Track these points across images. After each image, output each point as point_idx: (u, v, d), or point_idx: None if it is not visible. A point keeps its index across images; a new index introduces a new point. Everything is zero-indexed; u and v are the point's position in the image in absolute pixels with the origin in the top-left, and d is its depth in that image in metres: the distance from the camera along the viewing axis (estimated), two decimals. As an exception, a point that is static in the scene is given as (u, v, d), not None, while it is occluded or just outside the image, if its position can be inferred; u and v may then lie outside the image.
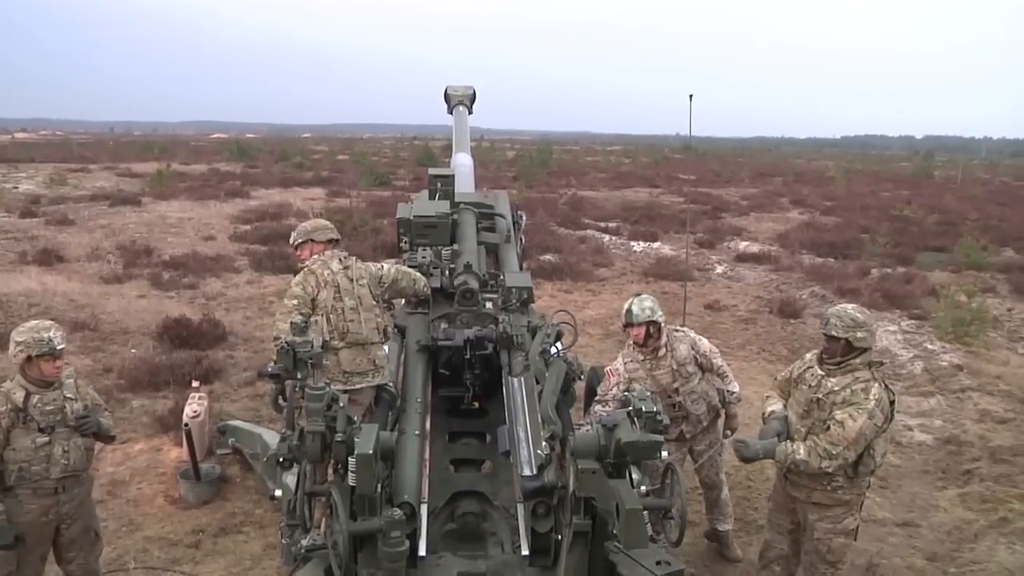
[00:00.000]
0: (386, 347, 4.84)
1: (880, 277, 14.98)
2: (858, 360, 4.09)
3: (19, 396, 3.94)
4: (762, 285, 14.44)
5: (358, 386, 4.75)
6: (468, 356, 4.45)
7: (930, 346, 10.51)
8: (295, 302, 4.74)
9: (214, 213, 21.10)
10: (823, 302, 12.79)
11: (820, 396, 4.11)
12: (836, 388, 4.07)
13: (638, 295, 5.21)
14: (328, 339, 4.66)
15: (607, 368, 5.35)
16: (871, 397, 4.00)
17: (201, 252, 15.28)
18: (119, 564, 5.13)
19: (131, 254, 14.92)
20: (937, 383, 9.11)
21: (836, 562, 4.31)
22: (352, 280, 4.83)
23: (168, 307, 11.05)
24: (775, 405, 4.40)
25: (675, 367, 5.09)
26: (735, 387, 5.29)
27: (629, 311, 5.05)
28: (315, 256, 4.97)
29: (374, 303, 4.86)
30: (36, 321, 4.11)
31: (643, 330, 5.04)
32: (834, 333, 4.06)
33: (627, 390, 4.74)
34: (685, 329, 5.40)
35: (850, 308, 4.17)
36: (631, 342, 5.19)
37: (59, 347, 3.97)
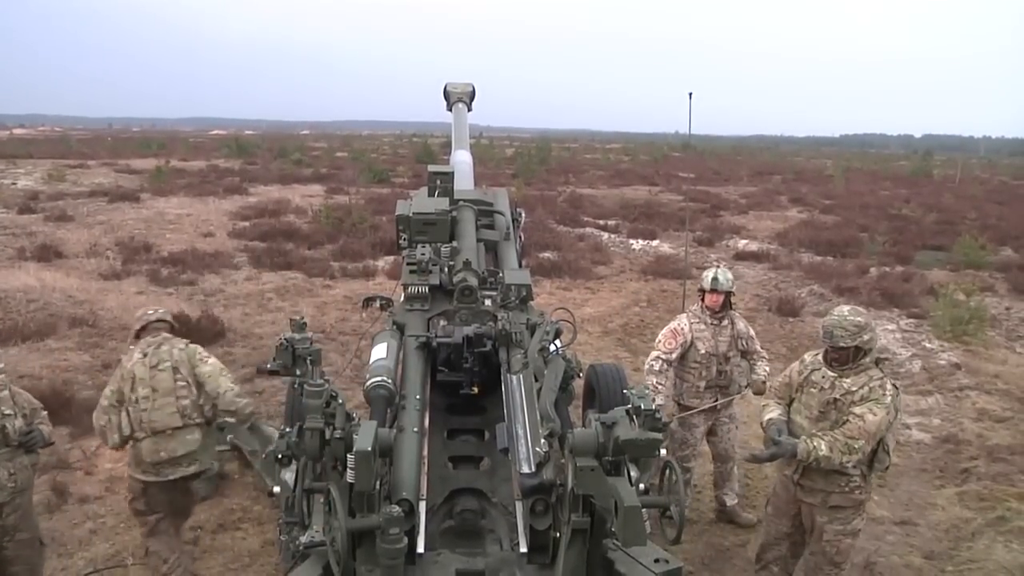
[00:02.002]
0: (199, 432, 4.75)
1: (879, 276, 14.98)
2: (867, 359, 4.11)
3: None
4: (761, 283, 14.45)
5: (170, 477, 4.64)
6: (467, 353, 4.46)
7: (928, 345, 10.52)
8: (111, 398, 4.67)
9: (213, 210, 21.07)
10: (822, 300, 12.80)
11: (837, 397, 4.10)
12: (853, 388, 4.07)
13: (718, 265, 5.74)
14: (129, 433, 4.56)
15: (669, 327, 5.66)
16: (887, 393, 4.04)
17: (200, 248, 15.26)
18: (117, 560, 5.13)
19: (130, 250, 14.90)
20: (935, 382, 9.12)
21: (842, 563, 4.35)
22: (148, 367, 4.68)
23: (167, 303, 11.02)
24: (773, 412, 4.36)
25: (735, 337, 5.58)
26: (767, 367, 5.72)
27: (716, 279, 5.46)
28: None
29: (180, 385, 4.69)
30: None
31: (722, 298, 5.50)
32: (842, 344, 4.04)
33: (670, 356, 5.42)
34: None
35: (847, 313, 4.12)
36: (696, 307, 5.63)
37: None
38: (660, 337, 5.61)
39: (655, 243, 18.25)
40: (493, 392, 4.47)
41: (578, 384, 5.37)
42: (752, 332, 5.72)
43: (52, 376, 8.04)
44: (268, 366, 4.31)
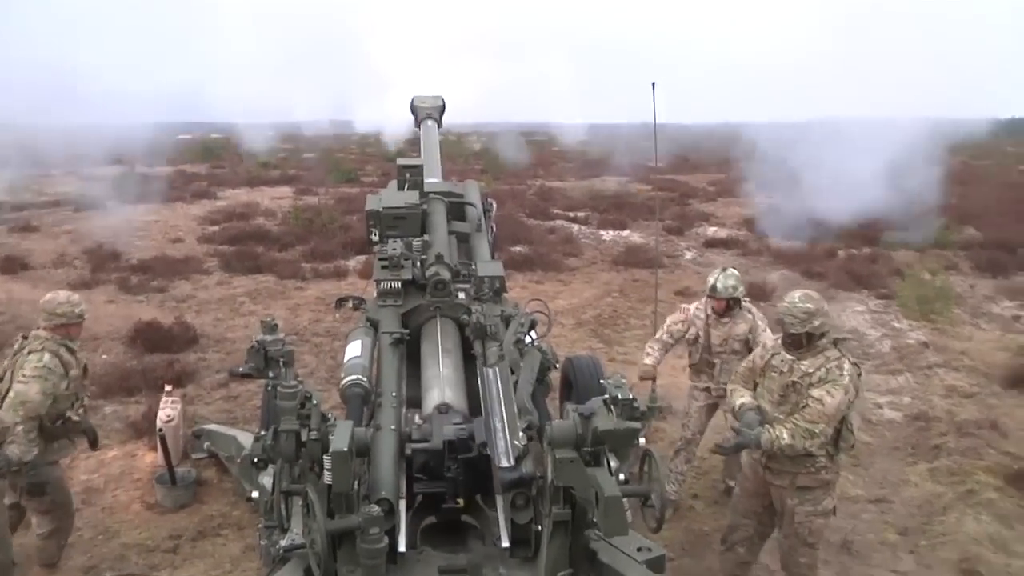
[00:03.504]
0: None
1: (846, 258, 15.17)
2: (824, 341, 4.17)
3: None
4: (731, 270, 14.55)
5: None
6: (448, 461, 4.37)
7: (897, 324, 10.69)
8: None
9: (181, 215, 20.82)
10: (792, 285, 12.94)
11: (795, 380, 4.15)
12: (811, 370, 4.12)
13: (724, 270, 5.65)
14: None
15: (683, 305, 6.04)
16: (845, 373, 4.08)
17: (169, 255, 15.07)
18: (96, 573, 5.08)
19: (98, 259, 14.68)
20: (904, 361, 9.27)
21: (815, 543, 4.40)
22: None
23: (138, 311, 10.91)
24: (743, 397, 4.40)
25: (729, 337, 5.62)
26: None
27: (714, 286, 5.51)
28: None
29: None
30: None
31: (723, 304, 5.55)
32: (792, 331, 4.12)
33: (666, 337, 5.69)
34: (753, 310, 5.78)
35: (798, 300, 4.17)
36: (711, 305, 5.64)
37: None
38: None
39: (625, 233, 18.32)
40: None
41: (554, 376, 5.39)
42: (759, 335, 5.54)
43: (22, 389, 7.91)
44: (240, 369, 4.28)
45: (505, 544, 3.55)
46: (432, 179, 6.64)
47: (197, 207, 22.25)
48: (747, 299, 5.85)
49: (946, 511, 5.88)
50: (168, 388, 6.88)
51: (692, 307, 5.90)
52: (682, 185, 27.53)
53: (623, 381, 3.34)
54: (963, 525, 5.64)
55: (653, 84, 8.11)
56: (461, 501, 3.79)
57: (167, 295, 12.31)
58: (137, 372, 8.19)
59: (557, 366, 4.78)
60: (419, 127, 7.81)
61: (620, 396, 3.21)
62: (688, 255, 16.01)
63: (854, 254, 15.60)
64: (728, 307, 5.59)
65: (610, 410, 3.18)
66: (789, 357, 4.22)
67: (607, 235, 18.18)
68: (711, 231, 18.48)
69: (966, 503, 5.94)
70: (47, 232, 18.03)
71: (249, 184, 28.90)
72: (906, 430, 7.37)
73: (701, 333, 5.70)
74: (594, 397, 3.28)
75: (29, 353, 4.56)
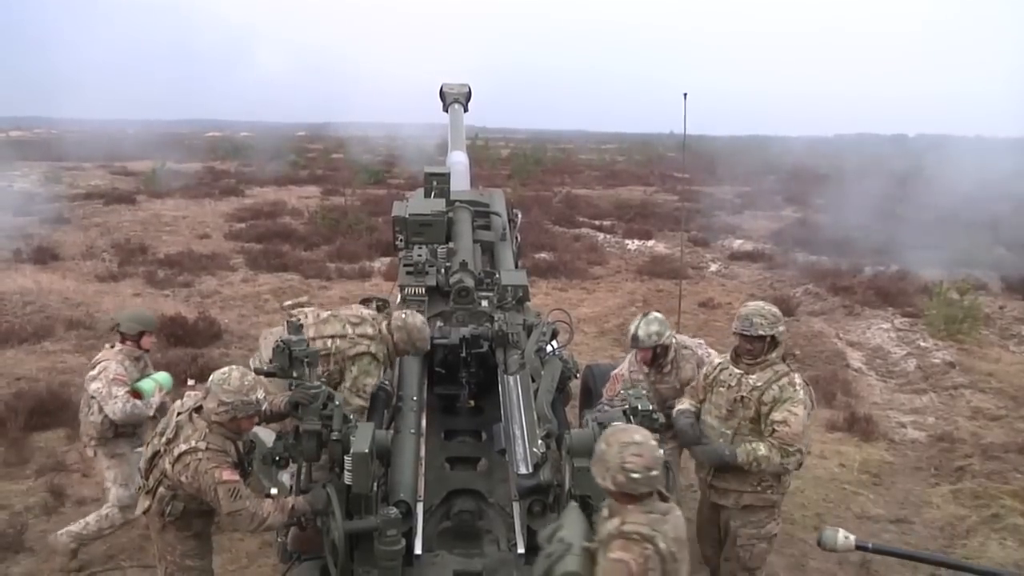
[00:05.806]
0: None
1: (873, 274, 15.00)
2: (774, 354, 4.14)
3: (233, 450, 3.68)
4: (756, 283, 14.46)
5: None
6: (464, 354, 4.47)
7: (923, 344, 10.55)
8: None
9: (209, 211, 21.03)
10: (817, 300, 12.83)
11: (744, 394, 4.10)
12: (759, 384, 4.07)
13: (646, 315, 4.95)
14: None
15: (613, 372, 5.26)
16: (798, 388, 4.06)
17: (196, 250, 15.25)
18: (115, 563, 5.14)
19: (126, 252, 14.87)
20: (930, 380, 9.15)
21: (756, 569, 4.32)
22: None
23: (163, 305, 11.03)
24: (682, 404, 4.38)
25: (678, 386, 4.94)
26: None
27: (635, 336, 4.81)
28: None
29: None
30: (238, 375, 3.63)
31: (649, 353, 4.88)
32: (760, 332, 4.06)
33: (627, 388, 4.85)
34: (694, 345, 5.16)
35: (763, 305, 4.19)
36: (638, 356, 5.01)
37: (264, 407, 3.71)
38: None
39: (650, 243, 18.26)
40: (490, 393, 4.49)
41: (575, 384, 5.38)
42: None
43: (49, 378, 8.04)
44: (265, 369, 4.32)
45: (521, 550, 3.56)
46: (457, 156, 7.31)
47: (225, 204, 22.47)
48: (675, 338, 5.02)
49: (969, 535, 5.80)
50: (191, 382, 6.97)
51: (625, 369, 5.10)
52: (708, 196, 27.42)
53: (642, 392, 3.33)
54: (987, 550, 5.56)
55: (685, 95, 8.08)
56: (473, 402, 4.51)
57: (193, 290, 12.45)
58: (161, 366, 8.24)
59: (577, 376, 4.77)
60: (447, 111, 8.35)
61: (639, 406, 3.21)
62: (713, 267, 15.92)
63: (881, 270, 15.41)
64: (656, 356, 4.88)
65: (629, 420, 3.18)
66: (737, 371, 4.16)
67: (632, 244, 18.14)
68: (737, 243, 18.37)
69: (990, 527, 5.85)
70: (77, 224, 18.30)
71: (277, 183, 29.14)
72: (929, 451, 7.28)
73: (651, 392, 4.70)
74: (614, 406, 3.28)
75: None
